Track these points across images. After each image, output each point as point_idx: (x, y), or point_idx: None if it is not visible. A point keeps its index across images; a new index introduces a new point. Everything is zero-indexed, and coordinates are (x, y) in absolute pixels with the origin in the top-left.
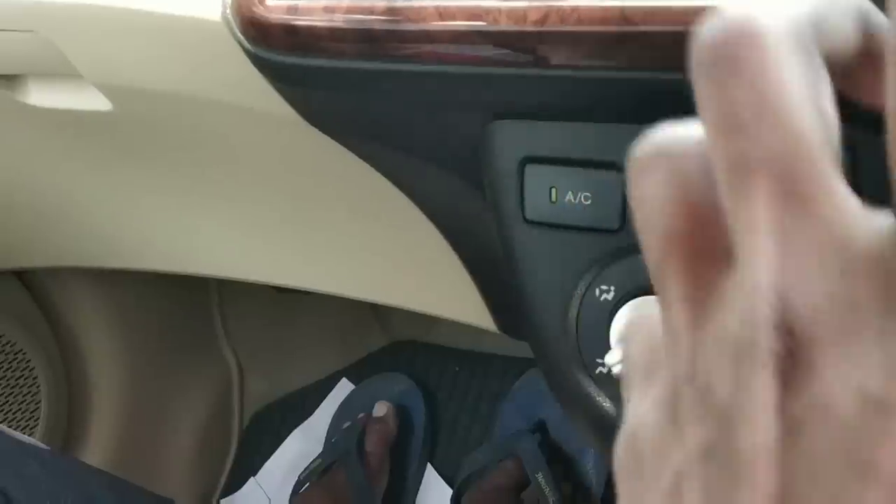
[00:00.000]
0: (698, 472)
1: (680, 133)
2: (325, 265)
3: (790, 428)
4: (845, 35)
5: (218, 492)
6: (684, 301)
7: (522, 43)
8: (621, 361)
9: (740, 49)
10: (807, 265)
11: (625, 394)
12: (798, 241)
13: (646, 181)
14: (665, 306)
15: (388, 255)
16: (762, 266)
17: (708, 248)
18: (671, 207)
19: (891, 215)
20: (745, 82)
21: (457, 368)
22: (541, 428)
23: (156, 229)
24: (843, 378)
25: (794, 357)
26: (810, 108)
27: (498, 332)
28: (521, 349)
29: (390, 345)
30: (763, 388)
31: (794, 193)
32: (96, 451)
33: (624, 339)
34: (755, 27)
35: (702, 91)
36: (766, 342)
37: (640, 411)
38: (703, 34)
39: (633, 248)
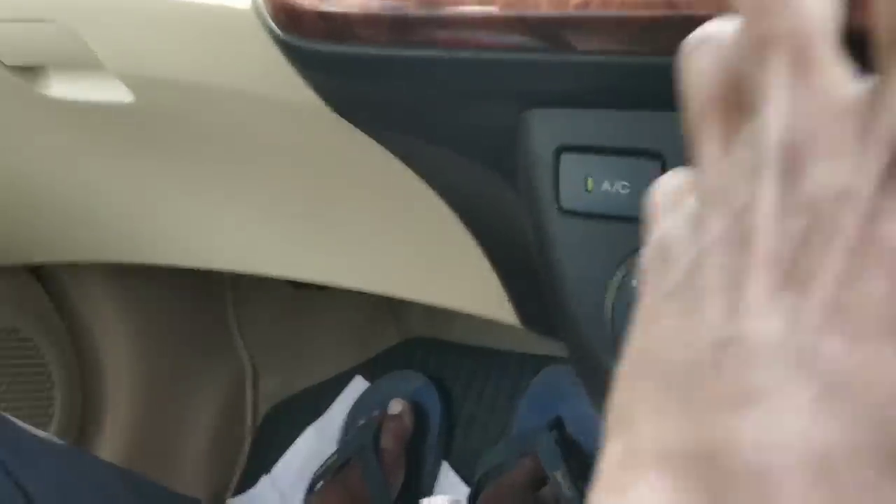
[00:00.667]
0: (716, 249)
1: (720, 24)
2: (344, 259)
3: (786, 211)
4: None
5: (231, 490)
6: (715, 138)
7: (564, 28)
8: (648, 206)
9: None
10: (807, 109)
11: (650, 226)
12: (802, 94)
13: (693, 58)
14: (699, 145)
15: (408, 248)
16: (772, 109)
17: (737, 102)
18: (710, 76)
19: (873, 78)
20: None
21: (473, 366)
22: (558, 425)
23: (174, 223)
24: (826, 177)
25: (793, 166)
26: (821, 6)
27: (519, 326)
28: (538, 347)
29: (405, 342)
30: (767, 190)
31: (801, 61)
32: (110, 448)
33: (652, 192)
34: None
35: None
36: (773, 155)
37: (666, 224)
38: None
39: None
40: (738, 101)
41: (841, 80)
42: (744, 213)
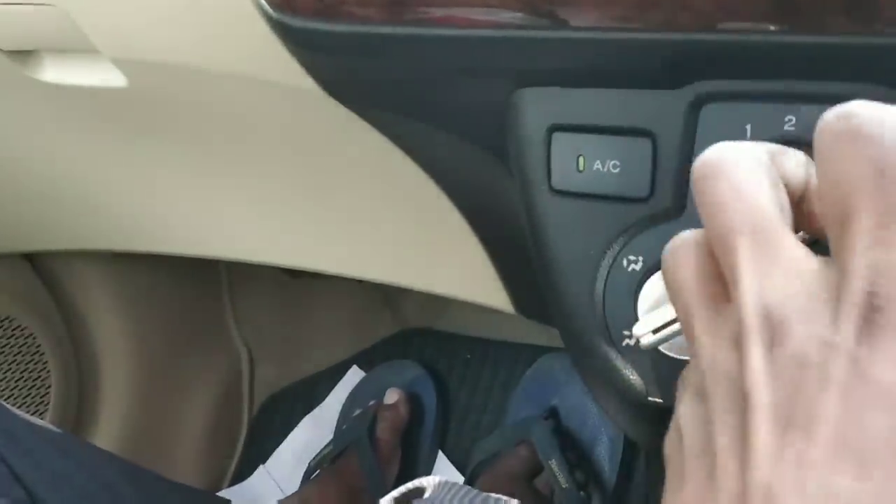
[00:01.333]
0: (721, 413)
1: (690, 230)
2: (339, 247)
3: (776, 367)
4: (793, 167)
5: (227, 479)
6: (704, 324)
7: (558, 4)
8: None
9: (720, 166)
10: (774, 279)
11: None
12: (769, 269)
13: (672, 260)
14: (690, 332)
15: (403, 235)
16: (746, 285)
17: (717, 289)
18: (689, 272)
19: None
20: (724, 181)
21: (468, 356)
22: (553, 414)
23: (169, 211)
24: (807, 336)
25: (774, 331)
26: (770, 194)
27: (514, 314)
28: (533, 336)
29: (401, 332)
30: (754, 352)
31: (763, 242)
32: (106, 436)
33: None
34: (727, 154)
35: (698, 196)
36: (753, 322)
37: (679, 408)
38: (696, 164)
39: (661, 217)
40: (718, 287)
41: (801, 255)
42: (738, 377)
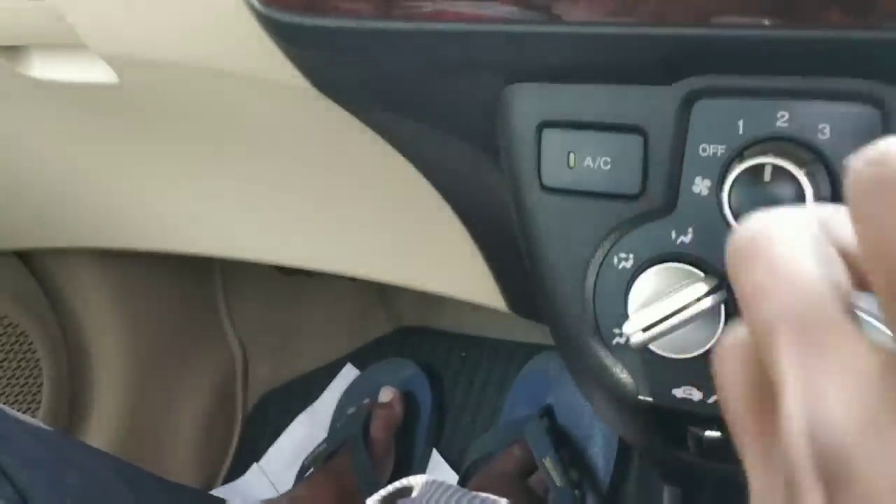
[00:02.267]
0: None
1: (736, 332)
2: (333, 245)
3: None
4: (848, 233)
5: (221, 477)
6: (753, 440)
7: None
8: None
9: (757, 242)
10: (826, 392)
11: None
12: (816, 376)
13: (720, 365)
14: (741, 447)
15: (396, 233)
16: (790, 406)
17: (766, 397)
18: (736, 378)
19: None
20: (762, 261)
21: (463, 354)
22: (548, 413)
23: (162, 208)
24: (876, 472)
25: (831, 472)
26: (819, 274)
27: (507, 312)
28: (528, 335)
29: (396, 330)
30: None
31: (809, 339)
32: (98, 436)
33: None
34: (766, 228)
35: (734, 281)
36: (806, 469)
37: None
38: (731, 240)
39: (653, 215)
40: (769, 402)
41: (861, 351)
42: None
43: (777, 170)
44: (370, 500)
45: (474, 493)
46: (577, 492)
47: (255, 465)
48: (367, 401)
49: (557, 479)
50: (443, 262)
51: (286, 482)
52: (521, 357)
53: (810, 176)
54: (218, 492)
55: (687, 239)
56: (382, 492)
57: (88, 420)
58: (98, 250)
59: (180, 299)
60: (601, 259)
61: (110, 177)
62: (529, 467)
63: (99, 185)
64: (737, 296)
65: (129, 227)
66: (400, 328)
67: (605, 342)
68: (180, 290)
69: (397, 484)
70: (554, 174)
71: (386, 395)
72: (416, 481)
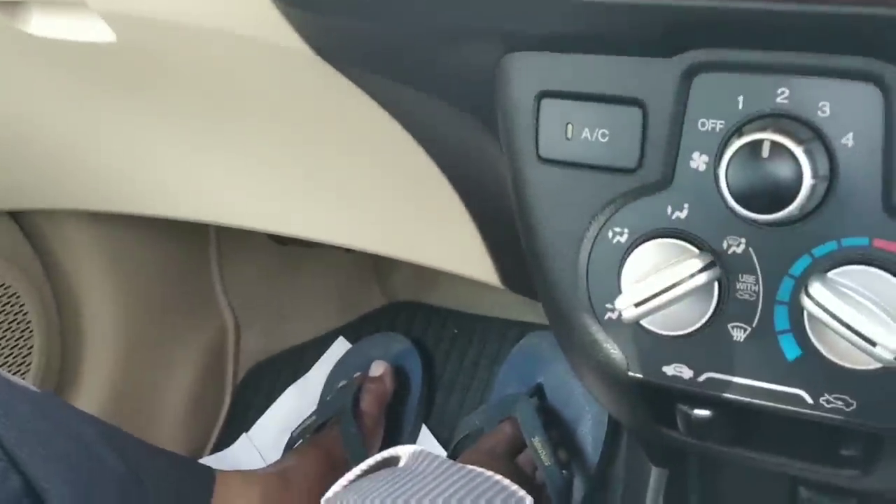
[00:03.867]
0: None
1: None
2: (329, 214)
3: None
4: None
5: (209, 446)
6: None
7: None
8: None
9: None
10: None
11: None
12: None
13: None
14: None
15: (393, 206)
16: None
17: None
18: None
19: None
20: None
21: (455, 331)
22: (538, 392)
23: (156, 172)
24: None
25: None
26: None
27: (502, 289)
28: (522, 313)
29: (389, 305)
30: None
31: None
32: (87, 400)
33: None
34: None
35: None
36: None
37: None
38: None
39: (649, 189)
40: None
41: None
42: None
43: (775, 146)
44: (357, 468)
45: (461, 464)
46: (565, 472)
47: (243, 436)
48: (357, 374)
49: (546, 459)
50: (438, 236)
51: (274, 453)
52: (514, 335)
53: (808, 154)
54: (206, 461)
55: (683, 214)
56: (370, 461)
57: (78, 384)
58: (92, 213)
59: (174, 266)
60: (596, 233)
61: (106, 139)
62: (518, 446)
63: (94, 147)
64: None
65: (124, 190)
66: (393, 303)
67: (597, 317)
68: (174, 256)
69: (384, 453)
70: (551, 145)
71: (377, 369)
72: (403, 451)
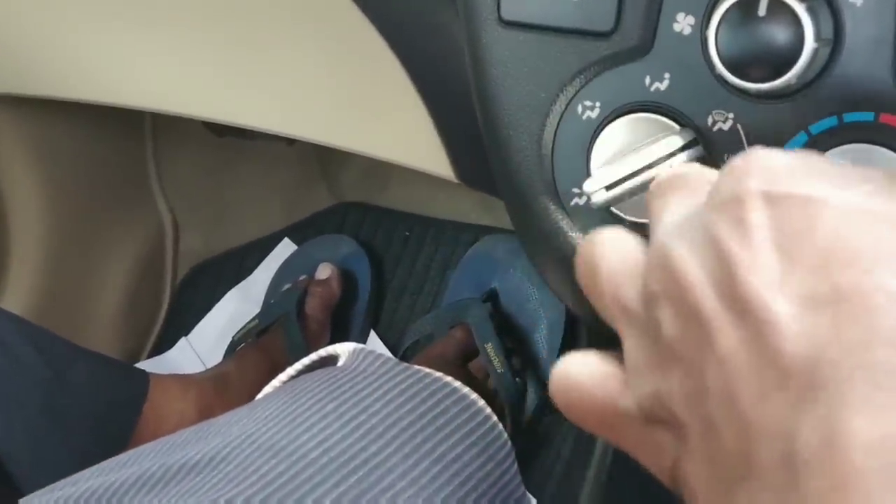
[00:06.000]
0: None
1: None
2: (269, 100)
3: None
4: None
5: (146, 351)
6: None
7: None
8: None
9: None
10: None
11: None
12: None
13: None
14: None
15: (341, 92)
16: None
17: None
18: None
19: None
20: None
21: (407, 233)
22: (492, 298)
23: (89, 53)
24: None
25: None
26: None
27: (455, 190)
28: (477, 216)
29: (337, 205)
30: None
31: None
32: (12, 301)
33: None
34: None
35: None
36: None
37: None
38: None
39: (625, 57)
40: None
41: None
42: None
43: (774, 3)
44: (291, 368)
45: (407, 364)
46: (518, 379)
47: (182, 340)
48: (303, 277)
49: (499, 366)
50: (388, 124)
51: (215, 358)
52: (468, 239)
53: (811, 12)
54: (142, 365)
55: (663, 86)
56: (305, 360)
57: (3, 284)
58: (14, 98)
59: (107, 160)
60: (563, 107)
61: (31, 16)
62: (470, 352)
63: (15, 22)
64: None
65: (50, 72)
66: (341, 203)
67: (562, 202)
68: (107, 149)
69: (322, 351)
70: (515, 6)
71: (323, 271)
72: (342, 349)
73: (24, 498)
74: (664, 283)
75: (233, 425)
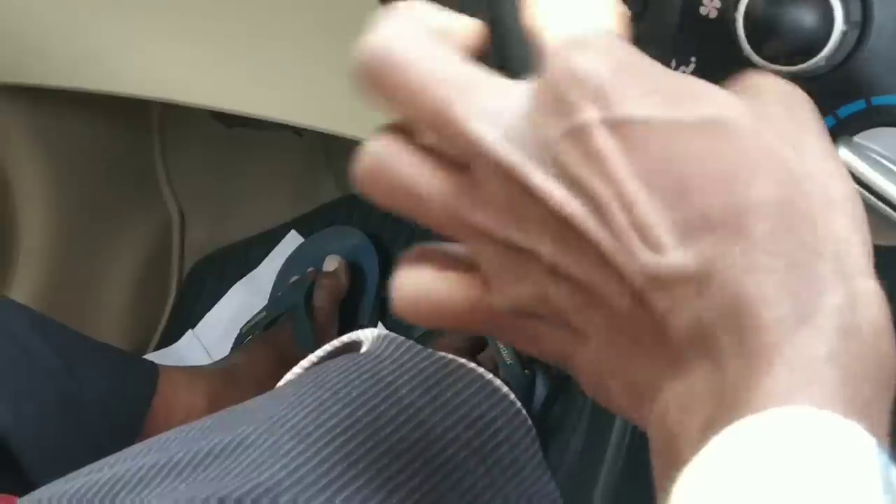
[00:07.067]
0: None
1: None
2: (275, 88)
3: None
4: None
5: (153, 343)
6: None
7: None
8: None
9: (391, 57)
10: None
11: None
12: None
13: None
14: None
15: (344, 79)
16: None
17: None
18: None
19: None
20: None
21: (414, 225)
22: None
23: (96, 42)
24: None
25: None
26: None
27: None
28: None
29: (345, 197)
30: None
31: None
32: (20, 293)
33: None
34: (390, 43)
35: (381, 90)
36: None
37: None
38: (363, 58)
39: (653, 40)
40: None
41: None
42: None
43: None
44: (313, 354)
45: (431, 350)
46: (527, 371)
47: (189, 332)
48: (310, 270)
49: (507, 357)
50: None
51: (222, 351)
52: None
53: None
54: (149, 358)
55: (689, 69)
56: (328, 346)
57: (9, 275)
58: (22, 88)
59: (113, 152)
60: None
61: (38, 6)
62: (479, 344)
63: (24, 13)
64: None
65: (57, 61)
66: (348, 195)
67: None
68: (114, 141)
69: (345, 337)
70: None
71: (331, 263)
72: (365, 335)
73: (48, 485)
74: (539, 215)
75: (258, 411)
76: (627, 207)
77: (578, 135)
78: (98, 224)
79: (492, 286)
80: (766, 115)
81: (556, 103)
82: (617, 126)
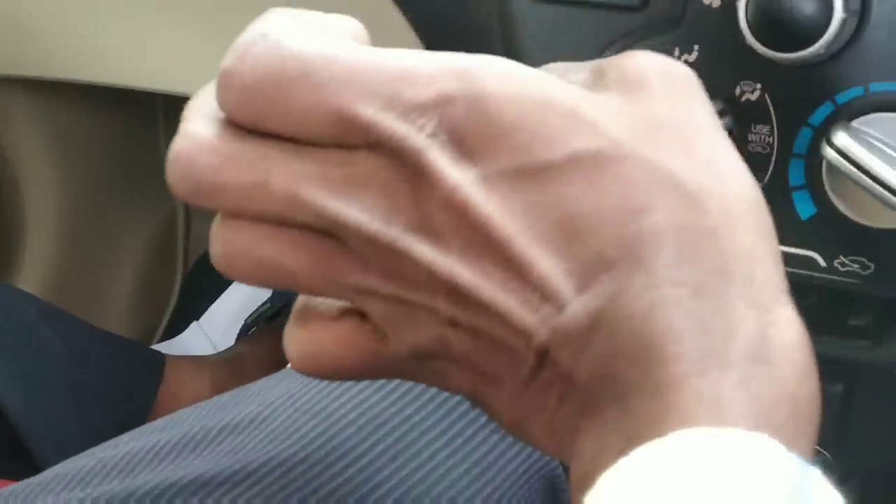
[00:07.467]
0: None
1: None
2: None
3: None
4: None
5: (158, 335)
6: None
7: None
8: None
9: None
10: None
11: None
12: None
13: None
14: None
15: None
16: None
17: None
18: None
19: None
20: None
21: None
22: None
23: (103, 36)
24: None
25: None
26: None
27: None
28: None
29: None
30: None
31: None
32: (28, 281)
33: None
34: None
35: (277, 106)
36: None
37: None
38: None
39: (655, 29)
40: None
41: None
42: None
43: None
44: None
45: None
46: None
47: (194, 324)
48: None
49: None
50: None
51: (227, 342)
52: None
53: None
54: (155, 349)
55: (691, 57)
56: None
57: (17, 267)
58: (30, 81)
59: (119, 144)
60: None
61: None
62: None
63: (28, 7)
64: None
65: (64, 54)
66: None
67: None
68: (120, 134)
69: None
70: None
71: None
72: None
73: (64, 462)
74: (427, 278)
75: (272, 389)
76: (517, 268)
77: (450, 200)
78: (104, 217)
79: (388, 334)
80: (648, 122)
81: (414, 171)
82: (486, 184)
